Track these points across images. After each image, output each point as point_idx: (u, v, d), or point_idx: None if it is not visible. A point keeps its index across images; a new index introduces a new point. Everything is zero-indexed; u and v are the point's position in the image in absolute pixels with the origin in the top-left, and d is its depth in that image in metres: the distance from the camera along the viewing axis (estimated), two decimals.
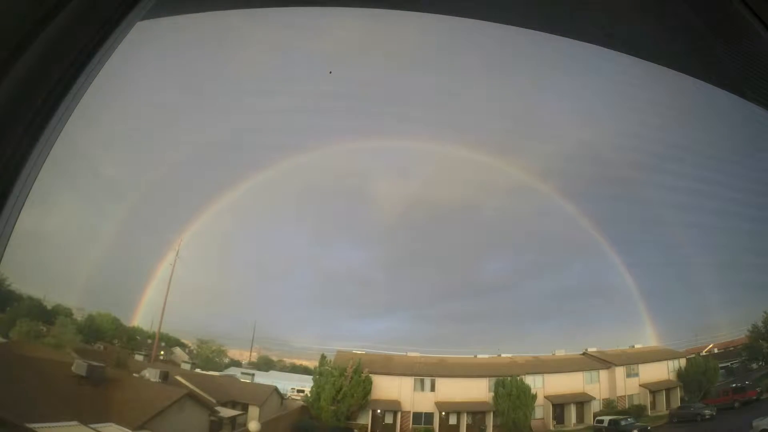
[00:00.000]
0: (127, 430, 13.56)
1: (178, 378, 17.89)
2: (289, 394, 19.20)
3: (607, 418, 18.19)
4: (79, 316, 18.26)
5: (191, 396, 16.55)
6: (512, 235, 21.14)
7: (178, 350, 20.43)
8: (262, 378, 19.82)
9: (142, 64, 14.72)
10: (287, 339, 20.50)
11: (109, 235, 19.02)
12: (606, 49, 8.76)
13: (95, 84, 3.49)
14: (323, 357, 18.89)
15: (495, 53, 16.36)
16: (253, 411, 17.65)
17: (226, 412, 17.16)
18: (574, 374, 19.31)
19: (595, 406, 18.76)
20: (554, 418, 18.72)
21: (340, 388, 18.04)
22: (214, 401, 17.23)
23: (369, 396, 18.38)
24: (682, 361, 19.01)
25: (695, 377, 18.72)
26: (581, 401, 18.87)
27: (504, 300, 21.18)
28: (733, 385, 18.44)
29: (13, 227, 3.07)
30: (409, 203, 20.74)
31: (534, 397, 18.45)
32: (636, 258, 19.78)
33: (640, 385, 19.00)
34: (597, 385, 19.09)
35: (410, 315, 21.18)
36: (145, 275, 19.01)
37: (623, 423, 17.74)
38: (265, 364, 20.45)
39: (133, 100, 16.94)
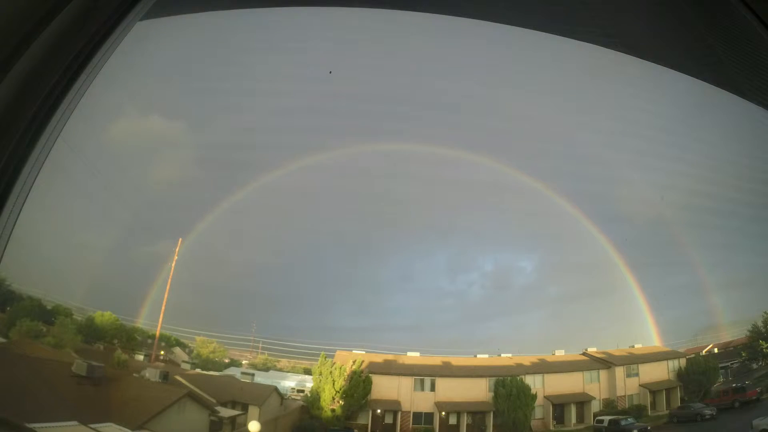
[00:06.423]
0: (127, 430, 13.55)
1: (178, 378, 17.88)
2: (289, 394, 19.18)
3: (607, 418, 18.16)
4: (79, 316, 18.25)
5: (191, 396, 16.54)
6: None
7: (178, 350, 20.40)
8: (262, 378, 19.80)
9: (142, 64, 14.72)
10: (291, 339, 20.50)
11: (110, 235, 19.02)
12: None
13: (95, 84, 3.49)
14: (323, 357, 18.90)
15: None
16: (253, 411, 17.62)
17: (226, 412, 17.14)
18: (574, 374, 19.29)
19: (595, 406, 18.74)
20: (554, 418, 18.69)
21: (340, 388, 18.04)
22: (214, 401, 17.22)
23: (369, 396, 18.38)
24: (682, 361, 19.00)
25: (695, 377, 18.71)
26: (581, 401, 18.84)
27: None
28: (733, 385, 18.43)
29: (13, 227, 3.07)
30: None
31: (534, 397, 18.41)
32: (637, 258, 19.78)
33: (640, 385, 18.98)
34: (597, 385, 19.07)
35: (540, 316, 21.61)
36: (151, 275, 19.01)
37: (623, 423, 17.71)
38: (264, 364, 20.44)
39: (133, 100, 16.96)
